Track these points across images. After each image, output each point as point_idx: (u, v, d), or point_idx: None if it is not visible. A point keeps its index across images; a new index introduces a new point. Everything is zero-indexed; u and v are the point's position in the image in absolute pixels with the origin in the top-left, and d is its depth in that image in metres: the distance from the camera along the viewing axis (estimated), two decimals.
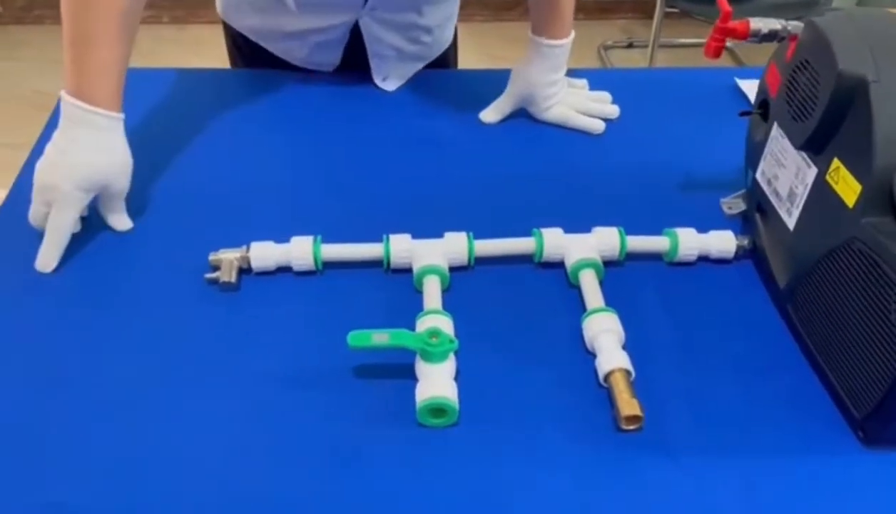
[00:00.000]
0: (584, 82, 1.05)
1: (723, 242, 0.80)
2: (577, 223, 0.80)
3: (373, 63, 1.03)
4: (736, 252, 0.80)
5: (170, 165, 0.92)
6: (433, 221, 0.81)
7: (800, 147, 0.70)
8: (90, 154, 0.76)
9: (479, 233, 0.79)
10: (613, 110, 1.01)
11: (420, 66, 1.08)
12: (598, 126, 0.99)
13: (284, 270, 0.78)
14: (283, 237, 0.78)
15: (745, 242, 0.81)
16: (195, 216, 0.84)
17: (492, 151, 0.96)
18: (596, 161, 0.95)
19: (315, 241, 0.78)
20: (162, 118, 0.98)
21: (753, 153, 0.81)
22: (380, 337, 0.65)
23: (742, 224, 0.85)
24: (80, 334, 0.71)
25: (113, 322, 0.72)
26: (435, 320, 0.69)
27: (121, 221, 0.81)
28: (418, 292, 0.76)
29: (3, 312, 0.73)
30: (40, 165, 0.76)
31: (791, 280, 0.72)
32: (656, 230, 0.81)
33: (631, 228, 0.79)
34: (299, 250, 0.77)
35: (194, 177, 0.90)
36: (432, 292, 0.73)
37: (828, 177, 0.66)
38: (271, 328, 0.73)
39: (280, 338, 0.72)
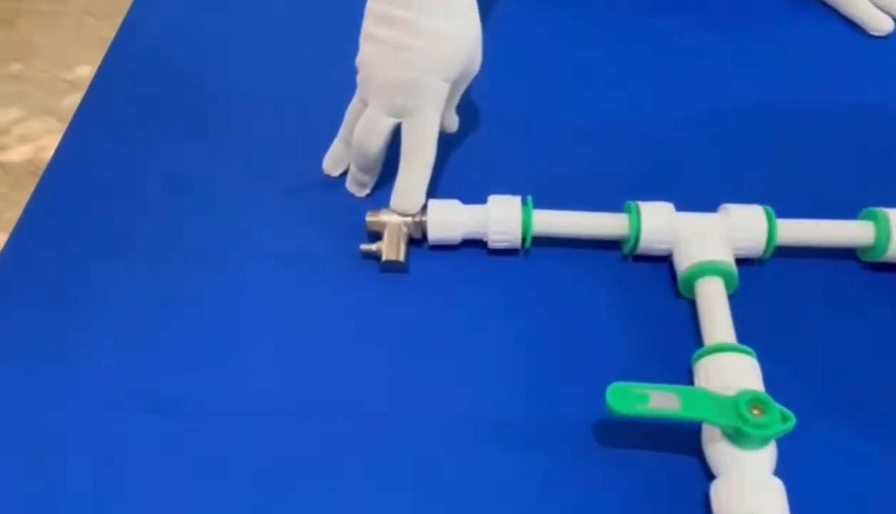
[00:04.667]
0: None
1: None
2: None
3: None
4: None
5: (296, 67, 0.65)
6: (694, 184, 0.53)
7: None
8: (443, 23, 0.49)
9: (782, 207, 0.50)
10: None
11: None
12: (886, 24, 0.67)
13: (471, 244, 0.52)
14: (465, 195, 0.51)
15: None
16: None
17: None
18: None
19: (525, 203, 0.51)
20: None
21: None
22: (662, 399, 0.39)
23: None
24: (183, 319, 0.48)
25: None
26: (741, 367, 0.42)
27: (453, 119, 0.56)
28: (683, 299, 0.49)
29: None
30: (374, 60, 0.50)
31: None
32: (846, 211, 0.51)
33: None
34: (502, 216, 0.50)
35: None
36: (717, 308, 0.46)
37: None
38: (451, 342, 0.48)
39: (469, 367, 0.47)
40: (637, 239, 0.49)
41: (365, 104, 0.51)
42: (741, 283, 0.48)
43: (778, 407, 0.38)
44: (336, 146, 0.55)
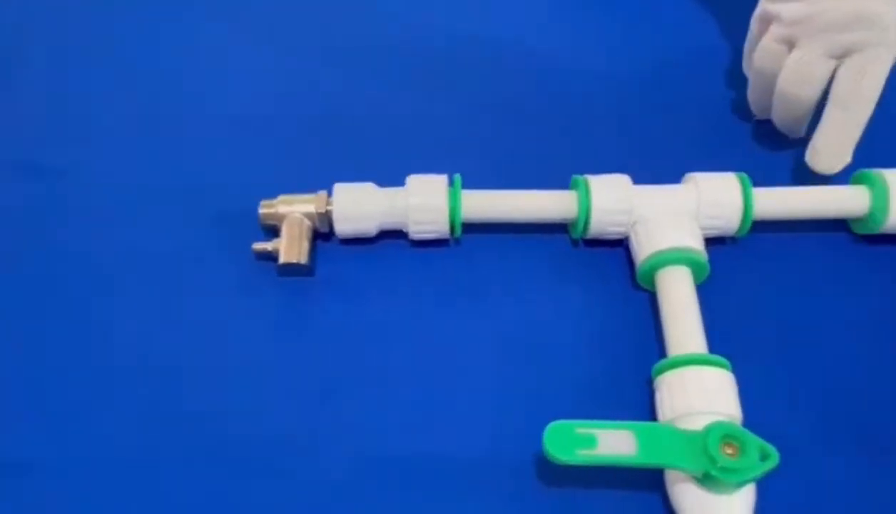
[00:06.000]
0: None
1: None
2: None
3: None
4: None
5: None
6: (653, 153, 0.45)
7: None
8: None
9: (759, 176, 0.42)
10: None
11: None
12: None
13: (392, 235, 0.43)
14: (384, 177, 0.43)
15: None
16: (229, 138, 0.48)
17: None
18: None
19: (451, 182, 0.42)
20: None
21: None
22: (613, 441, 0.31)
23: None
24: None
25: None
26: (712, 385, 0.34)
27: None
28: (643, 291, 0.41)
29: None
30: None
31: None
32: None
33: None
34: (424, 201, 0.41)
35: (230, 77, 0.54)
36: (683, 307, 0.38)
37: None
38: (363, 354, 0.39)
39: (391, 393, 0.39)
40: (587, 220, 0.41)
41: (789, 45, 0.42)
42: (712, 267, 0.40)
43: (756, 442, 0.31)
44: (754, 87, 0.46)
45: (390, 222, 0.42)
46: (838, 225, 0.43)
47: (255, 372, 0.39)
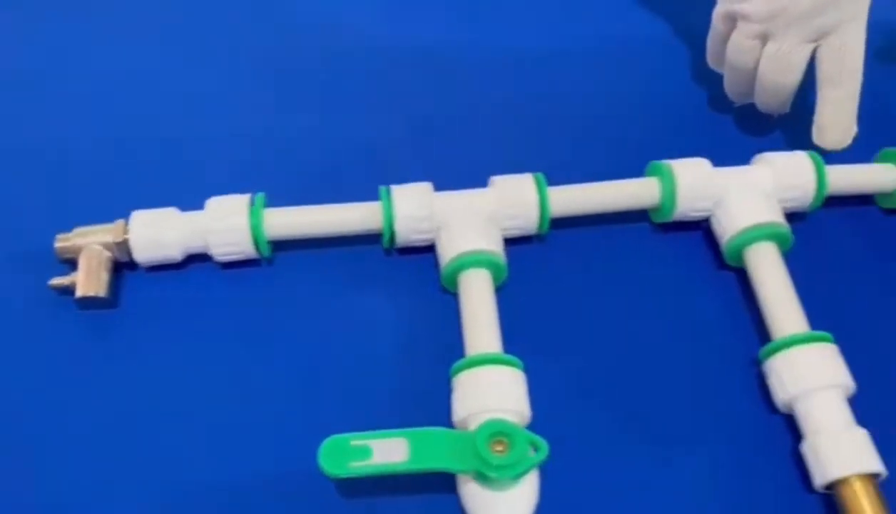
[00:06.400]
0: None
1: None
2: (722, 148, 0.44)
3: None
4: None
5: None
6: (461, 161, 0.46)
7: None
8: None
9: (553, 174, 0.43)
10: None
11: None
12: None
13: (198, 260, 0.43)
14: (189, 200, 0.42)
15: None
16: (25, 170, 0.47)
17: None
18: None
19: (253, 202, 0.42)
20: None
21: None
22: (388, 450, 0.31)
23: None
24: None
25: None
26: (502, 383, 0.35)
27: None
28: (447, 293, 0.42)
29: None
30: None
31: None
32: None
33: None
34: (226, 222, 0.41)
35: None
36: (479, 308, 0.39)
37: None
38: (172, 383, 0.39)
39: (188, 403, 0.38)
40: (392, 230, 0.41)
41: (763, 39, 0.44)
42: (519, 265, 0.41)
43: (526, 436, 0.32)
44: (731, 80, 0.47)
45: (196, 246, 0.41)
46: (642, 216, 0.45)
47: (57, 408, 0.38)
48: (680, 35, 0.55)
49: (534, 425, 0.36)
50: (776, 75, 0.44)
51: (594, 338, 0.41)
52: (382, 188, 0.42)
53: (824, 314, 0.39)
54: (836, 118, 0.44)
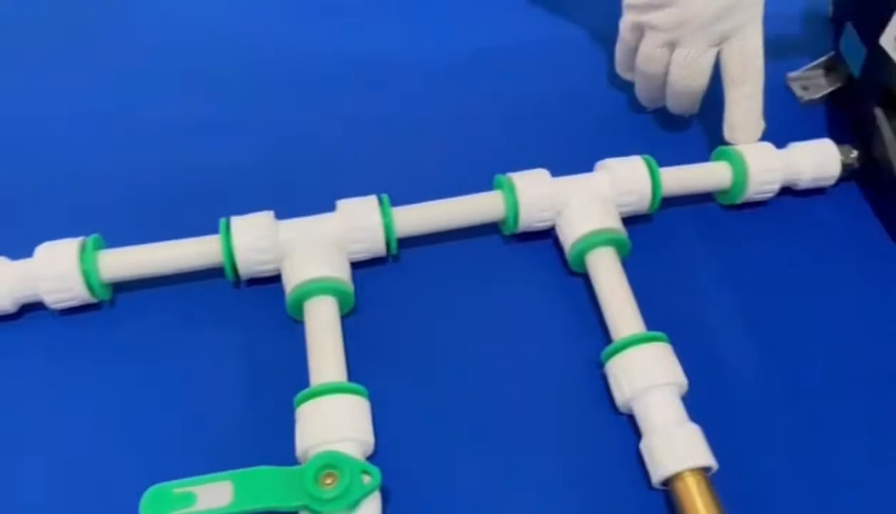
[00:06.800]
0: None
1: (819, 159, 0.46)
2: (569, 160, 0.45)
3: None
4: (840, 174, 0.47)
5: None
6: (309, 186, 0.46)
7: None
8: None
9: (397, 195, 0.43)
10: None
11: None
12: None
13: (32, 309, 0.41)
14: (23, 248, 0.40)
15: (853, 155, 0.47)
16: None
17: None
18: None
19: (84, 245, 0.40)
20: None
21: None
22: (213, 494, 0.30)
23: (830, 127, 0.51)
24: None
25: None
26: (343, 412, 0.35)
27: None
28: (298, 323, 0.41)
29: None
30: None
31: None
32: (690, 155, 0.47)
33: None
34: (55, 268, 0.39)
35: None
36: (324, 336, 0.38)
37: None
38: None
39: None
40: (233, 263, 0.41)
41: (670, 47, 0.46)
42: (367, 288, 0.41)
43: (357, 465, 0.31)
44: (642, 87, 0.49)
45: (27, 296, 0.40)
46: (494, 228, 0.45)
47: None
48: (569, 43, 0.56)
49: (385, 450, 0.36)
50: (686, 80, 0.46)
51: (446, 355, 0.41)
52: (222, 220, 0.41)
53: (665, 314, 0.40)
54: (745, 115, 0.46)
